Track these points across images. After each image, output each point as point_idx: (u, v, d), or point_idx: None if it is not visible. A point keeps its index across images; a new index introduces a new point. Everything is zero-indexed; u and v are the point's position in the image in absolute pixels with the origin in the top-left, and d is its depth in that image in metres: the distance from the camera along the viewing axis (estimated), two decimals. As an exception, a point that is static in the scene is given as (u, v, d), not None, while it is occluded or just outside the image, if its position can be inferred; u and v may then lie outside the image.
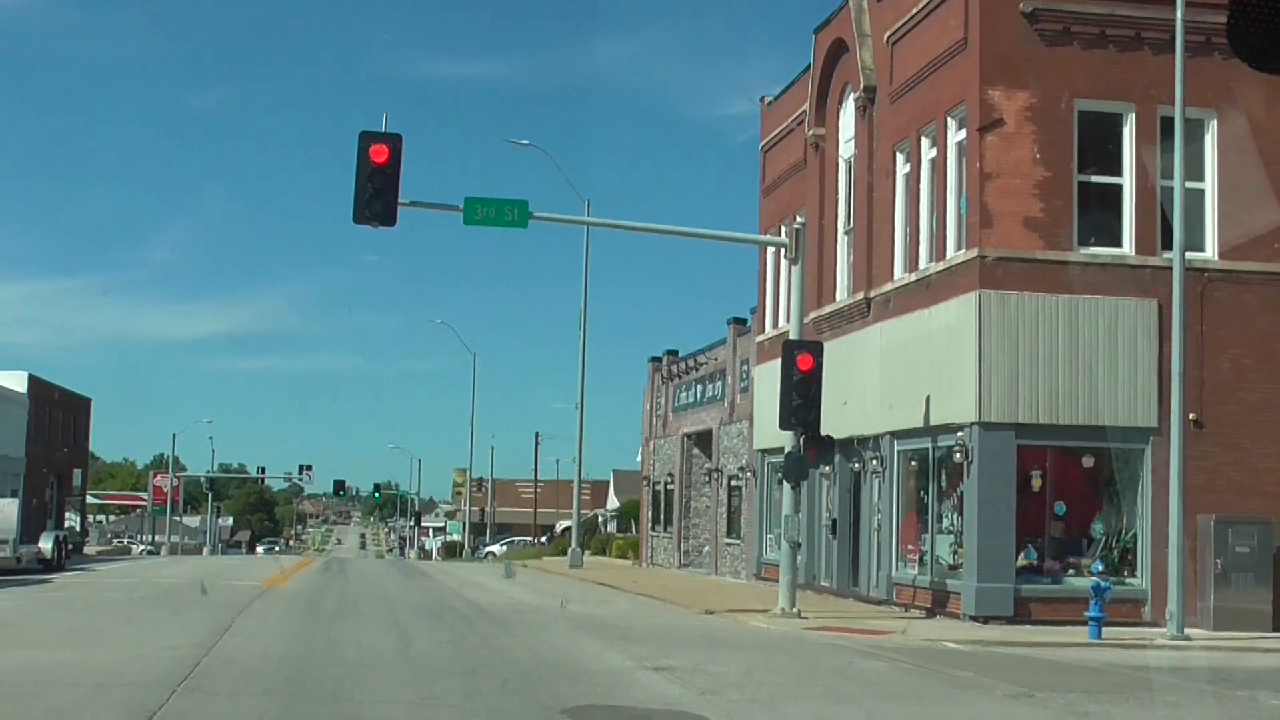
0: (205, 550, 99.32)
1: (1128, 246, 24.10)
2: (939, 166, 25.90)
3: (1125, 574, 23.69)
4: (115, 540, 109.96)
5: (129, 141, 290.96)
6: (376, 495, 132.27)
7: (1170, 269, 21.74)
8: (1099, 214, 24.29)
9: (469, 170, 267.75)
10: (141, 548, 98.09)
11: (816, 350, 24.71)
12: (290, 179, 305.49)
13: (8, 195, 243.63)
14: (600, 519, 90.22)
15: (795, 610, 24.73)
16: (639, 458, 58.49)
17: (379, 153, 22.32)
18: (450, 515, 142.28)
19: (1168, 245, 22.93)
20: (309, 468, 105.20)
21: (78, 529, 76.10)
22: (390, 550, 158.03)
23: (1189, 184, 22.67)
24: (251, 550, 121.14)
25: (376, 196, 22.41)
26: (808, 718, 12.27)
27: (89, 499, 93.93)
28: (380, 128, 22.59)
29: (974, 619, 23.32)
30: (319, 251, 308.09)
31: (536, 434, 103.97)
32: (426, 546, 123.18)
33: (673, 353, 51.90)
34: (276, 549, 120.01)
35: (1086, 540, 24.05)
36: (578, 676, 14.72)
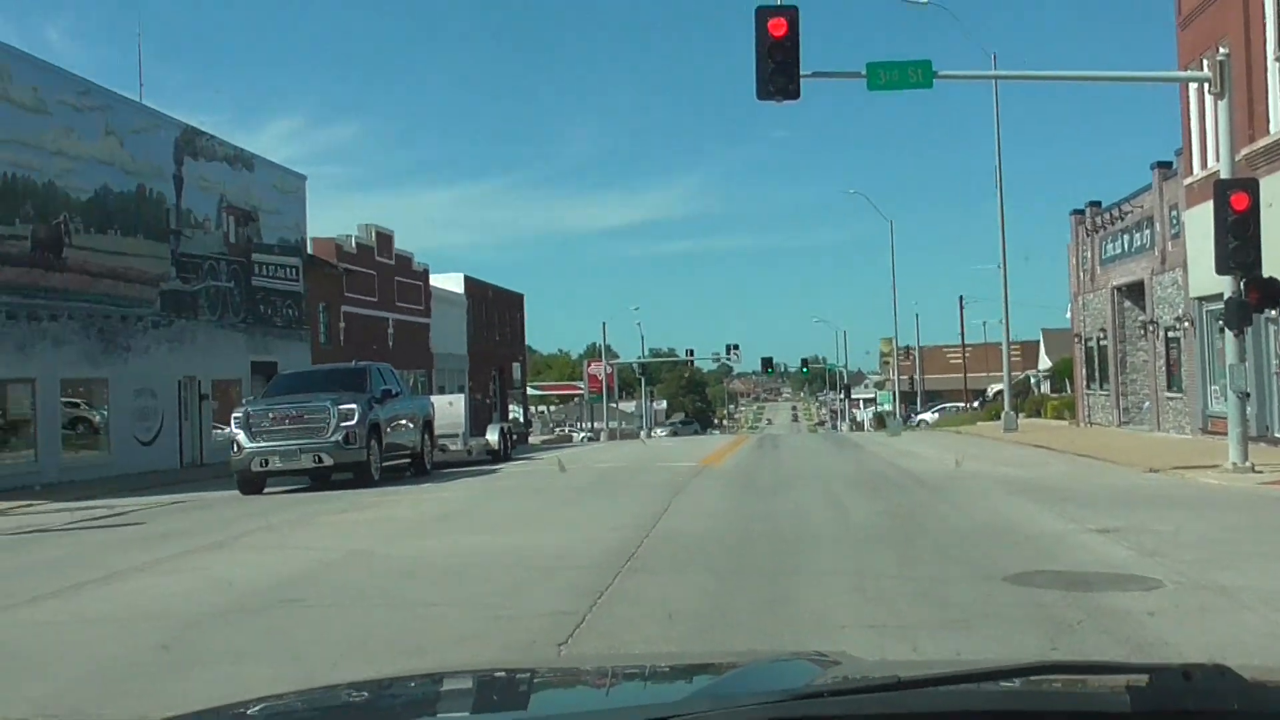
0: (642, 434, 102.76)
1: None
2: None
3: None
4: (556, 429, 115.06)
5: (535, 44, 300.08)
6: (804, 370, 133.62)
7: None
8: None
9: (866, 36, 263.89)
10: (581, 435, 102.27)
11: (1252, 187, 23.19)
12: (694, 63, 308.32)
13: (430, 104, 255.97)
14: (1032, 380, 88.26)
15: (1248, 464, 23.54)
16: (1068, 314, 56.81)
17: (777, 26, 22.16)
18: (879, 385, 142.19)
19: None
20: (736, 347, 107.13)
21: (521, 420, 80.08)
22: (821, 424, 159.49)
23: None
24: (693, 431, 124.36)
25: (778, 71, 22.31)
26: (1271, 581, 11.59)
27: (529, 390, 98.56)
28: (776, 1, 22.41)
29: None
30: (727, 132, 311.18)
31: (960, 297, 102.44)
32: (857, 418, 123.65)
33: (1095, 204, 49.91)
34: (687, 429, 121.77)
35: None
36: (1017, 542, 14.45)
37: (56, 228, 35.58)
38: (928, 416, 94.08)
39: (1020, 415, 54.55)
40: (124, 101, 40.57)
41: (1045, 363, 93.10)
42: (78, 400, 38.09)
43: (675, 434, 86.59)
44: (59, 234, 35.67)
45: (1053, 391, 75.68)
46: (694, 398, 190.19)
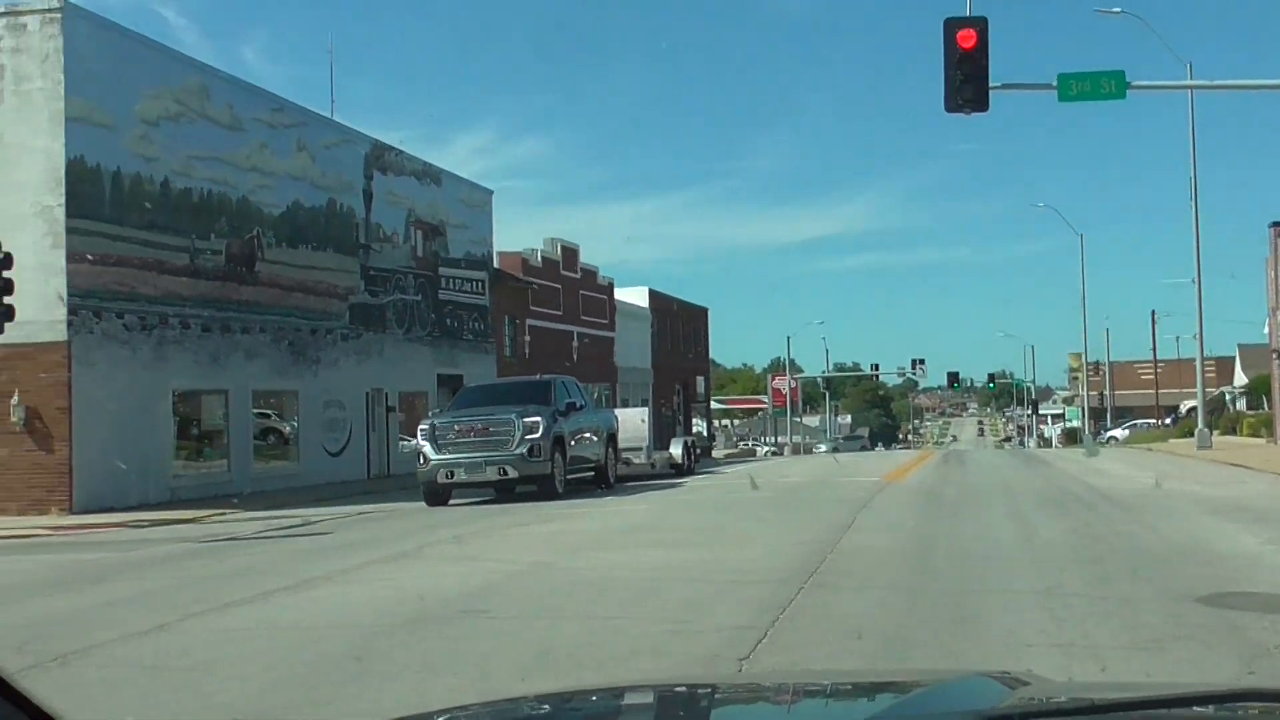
0: (824, 448, 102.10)
1: None
2: None
3: None
4: (740, 443, 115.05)
5: (723, 53, 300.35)
6: (990, 385, 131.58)
7: None
8: None
9: (1055, 47, 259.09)
10: (765, 449, 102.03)
11: None
12: (882, 75, 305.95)
13: (618, 119, 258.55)
14: (1227, 397, 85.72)
15: None
16: (1265, 330, 55.03)
17: (966, 38, 21.93)
18: (1067, 401, 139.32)
19: None
20: (921, 361, 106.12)
21: (704, 434, 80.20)
22: (1008, 440, 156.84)
23: None
24: (872, 446, 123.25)
25: (967, 82, 22.08)
26: None
27: (713, 404, 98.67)
28: (965, 12, 22.17)
29: None
30: (914, 145, 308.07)
31: (1153, 312, 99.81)
32: (1045, 434, 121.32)
33: (1299, 214, 48.29)
34: (852, 444, 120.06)
35: None
36: (1211, 562, 14.04)
37: (250, 242, 36.71)
38: (1118, 433, 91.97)
39: (1214, 432, 53.02)
40: (316, 118, 41.72)
41: (1241, 379, 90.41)
42: (269, 411, 39.20)
43: (836, 450, 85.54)
44: (252, 248, 36.80)
45: (1249, 409, 73.48)
46: (878, 412, 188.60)
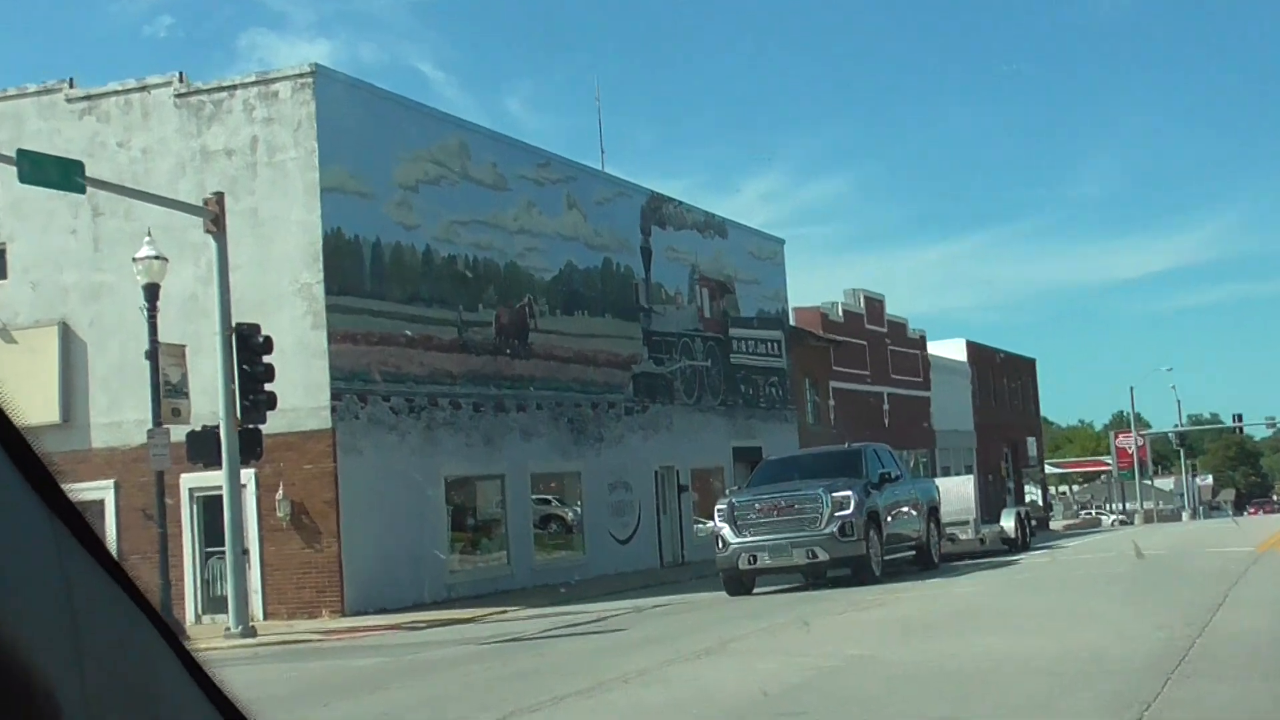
0: (1184, 515, 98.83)
1: None
2: None
3: None
4: (1081, 511, 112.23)
5: (1032, 73, 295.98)
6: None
7: None
8: None
9: None
10: (1111, 517, 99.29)
11: None
12: (1221, 87, 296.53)
13: (919, 152, 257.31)
14: None
15: None
16: None
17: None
18: None
19: None
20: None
21: (1039, 502, 78.64)
22: None
23: None
24: (1239, 511, 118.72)
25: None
26: None
27: (1047, 469, 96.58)
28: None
29: None
30: (1268, 160, 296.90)
31: None
32: None
33: None
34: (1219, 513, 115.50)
35: None
36: None
37: (521, 311, 37.51)
38: None
39: None
40: (585, 171, 42.61)
41: None
42: (549, 496, 39.89)
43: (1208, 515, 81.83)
44: (523, 318, 37.59)
45: None
46: (1245, 470, 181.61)
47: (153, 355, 26.63)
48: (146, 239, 26.84)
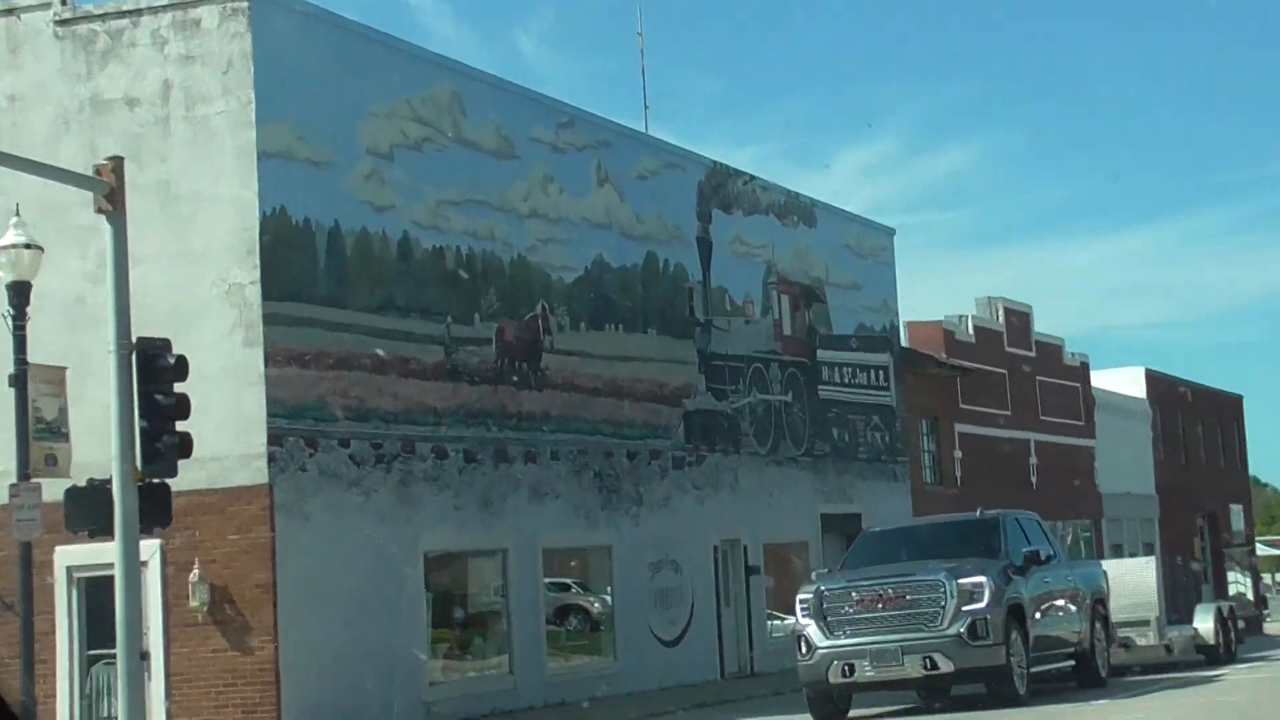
0: None
1: None
2: None
3: None
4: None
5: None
6: None
7: None
8: None
9: None
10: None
11: None
12: None
13: (1081, 113, 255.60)
14: None
15: None
16: None
17: None
18: None
19: None
20: None
21: (1247, 595, 77.73)
22: None
23: None
24: None
25: None
26: None
27: (1258, 548, 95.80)
28: None
29: None
30: None
31: None
32: None
33: None
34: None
35: None
36: None
37: (531, 324, 37.10)
38: None
39: None
40: (623, 134, 42.21)
41: None
42: (567, 580, 39.57)
43: None
44: (535, 333, 37.19)
45: None
46: None
47: (19, 381, 26.35)
48: (14, 220, 26.62)
